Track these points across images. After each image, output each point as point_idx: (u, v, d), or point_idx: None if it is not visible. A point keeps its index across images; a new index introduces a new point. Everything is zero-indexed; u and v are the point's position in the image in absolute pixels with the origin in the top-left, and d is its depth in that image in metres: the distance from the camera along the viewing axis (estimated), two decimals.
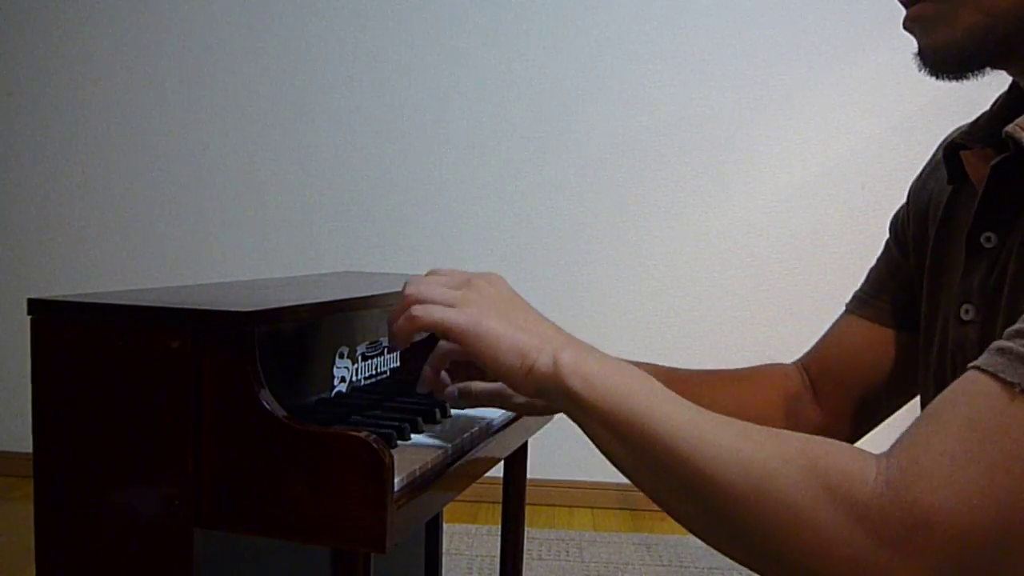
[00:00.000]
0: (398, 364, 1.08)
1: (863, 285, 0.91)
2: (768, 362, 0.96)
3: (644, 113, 2.58)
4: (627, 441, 0.57)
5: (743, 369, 0.95)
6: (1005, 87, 0.72)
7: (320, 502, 0.67)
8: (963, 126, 0.75)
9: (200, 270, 2.66)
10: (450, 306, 0.67)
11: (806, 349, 0.96)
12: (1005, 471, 0.46)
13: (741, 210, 2.58)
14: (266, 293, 0.94)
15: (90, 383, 0.73)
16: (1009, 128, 0.62)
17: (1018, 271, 0.63)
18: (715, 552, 0.57)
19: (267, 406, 0.69)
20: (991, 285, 0.66)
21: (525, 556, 1.24)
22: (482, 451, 0.89)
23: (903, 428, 0.52)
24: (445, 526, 1.48)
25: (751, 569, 0.55)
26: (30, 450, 0.76)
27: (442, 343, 0.79)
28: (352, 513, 0.66)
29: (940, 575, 0.47)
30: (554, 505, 2.51)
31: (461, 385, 0.85)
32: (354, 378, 0.97)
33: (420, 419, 0.89)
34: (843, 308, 0.92)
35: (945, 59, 0.64)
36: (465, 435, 0.88)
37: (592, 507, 2.49)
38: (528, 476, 1.19)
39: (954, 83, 0.67)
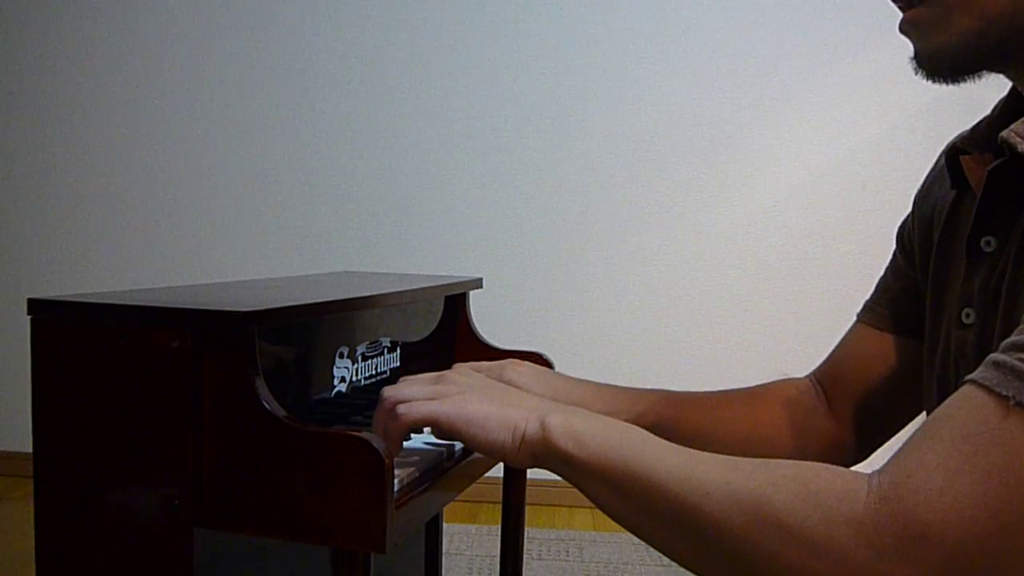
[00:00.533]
0: (398, 364, 1.08)
1: (872, 294, 0.91)
2: (780, 377, 0.96)
3: (644, 113, 2.58)
4: (623, 492, 0.59)
5: (756, 387, 0.95)
6: (1006, 91, 0.72)
7: (320, 502, 0.67)
8: (965, 131, 0.75)
9: (200, 270, 2.66)
10: (431, 399, 0.69)
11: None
12: (999, 482, 0.47)
13: (741, 210, 2.58)
14: (266, 293, 0.94)
15: (90, 383, 0.73)
16: (1004, 134, 0.63)
17: (1015, 275, 0.63)
18: None
19: (267, 406, 0.69)
20: (990, 289, 0.67)
21: (525, 556, 1.24)
22: None
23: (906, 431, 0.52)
24: (445, 526, 1.47)
25: None
26: (30, 450, 0.76)
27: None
28: (352, 513, 0.66)
29: None
30: (554, 505, 2.51)
31: None
32: (354, 378, 0.97)
33: None
34: (853, 316, 0.92)
35: (940, 63, 0.64)
36: None
37: (592, 507, 2.47)
38: (528, 476, 1.19)
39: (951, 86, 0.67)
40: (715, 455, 0.58)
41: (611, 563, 2.14)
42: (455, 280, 1.21)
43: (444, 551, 1.48)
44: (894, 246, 0.90)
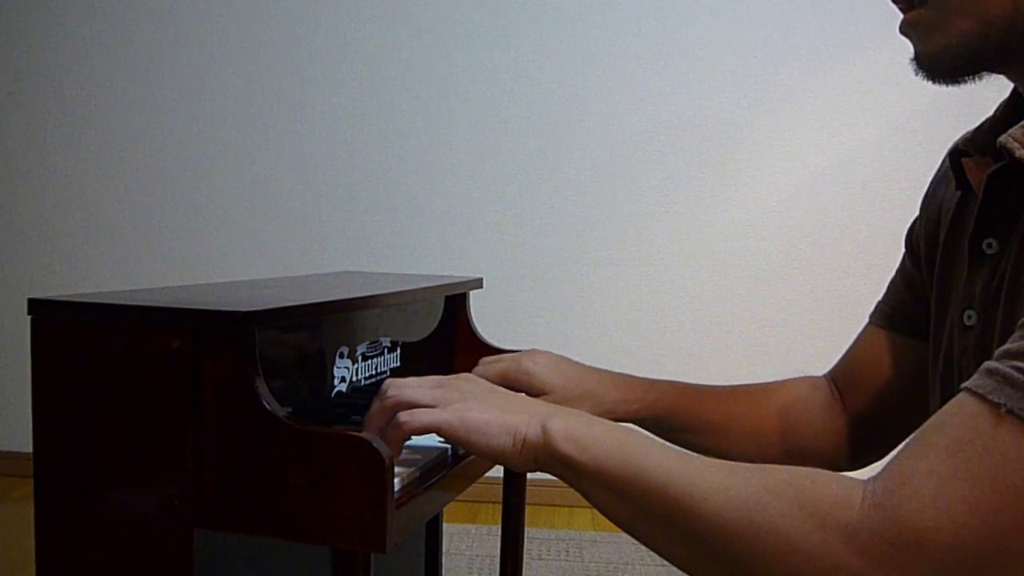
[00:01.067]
0: (398, 364, 1.08)
1: (883, 297, 0.92)
2: (798, 375, 0.97)
3: (644, 113, 2.58)
4: (623, 495, 0.60)
5: (770, 383, 0.96)
6: (1007, 92, 0.72)
7: (320, 502, 0.67)
8: (968, 132, 0.75)
9: (200, 270, 2.66)
10: (433, 406, 0.69)
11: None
12: (991, 488, 0.47)
13: (741, 210, 2.58)
14: (266, 293, 0.94)
15: (90, 383, 0.73)
16: (1003, 139, 0.63)
17: (1015, 277, 0.63)
18: None
19: (267, 406, 0.69)
20: (991, 291, 0.67)
21: (525, 556, 1.24)
22: None
23: None
24: (445, 526, 1.47)
25: None
26: (30, 450, 0.76)
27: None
28: (352, 513, 0.66)
29: None
30: (554, 505, 2.51)
31: None
32: (354, 378, 0.97)
33: None
34: (853, 315, 0.93)
35: (940, 64, 0.64)
36: None
37: (592, 507, 2.48)
38: (528, 476, 1.18)
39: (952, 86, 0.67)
40: (715, 460, 0.58)
41: (611, 563, 2.14)
42: (455, 280, 1.21)
43: (444, 551, 1.48)
44: (903, 249, 0.90)
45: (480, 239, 2.62)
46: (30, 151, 2.71)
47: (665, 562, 2.09)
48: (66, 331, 0.74)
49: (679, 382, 0.93)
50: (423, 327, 1.17)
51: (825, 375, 0.96)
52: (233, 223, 2.67)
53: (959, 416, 0.51)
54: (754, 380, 0.98)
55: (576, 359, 0.98)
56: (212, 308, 0.73)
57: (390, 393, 0.71)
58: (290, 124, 2.65)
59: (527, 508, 1.21)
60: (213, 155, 2.67)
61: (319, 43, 2.63)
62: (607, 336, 2.59)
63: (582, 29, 2.58)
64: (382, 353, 1.04)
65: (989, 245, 0.68)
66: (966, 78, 0.65)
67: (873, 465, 0.90)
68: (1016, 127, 0.62)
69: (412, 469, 0.76)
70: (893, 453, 0.53)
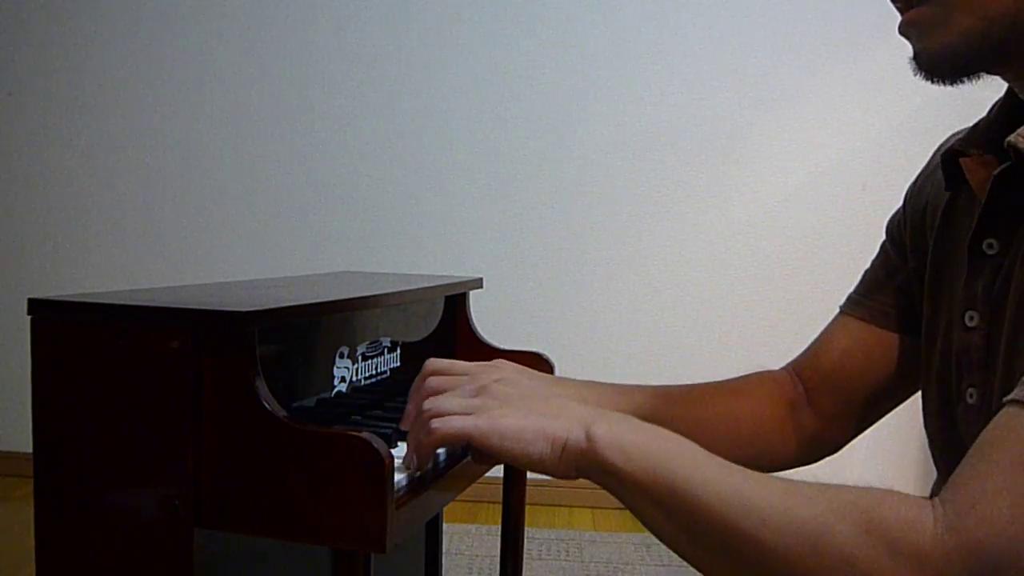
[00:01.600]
0: (398, 364, 1.08)
1: (858, 287, 0.91)
2: (758, 370, 0.95)
3: (644, 113, 2.58)
4: (670, 511, 0.56)
5: (734, 380, 0.94)
6: (1002, 92, 0.72)
7: (320, 502, 0.67)
8: (960, 132, 0.75)
9: (200, 270, 2.66)
10: (468, 414, 0.66)
11: (805, 348, 0.95)
12: None
13: (741, 210, 2.58)
14: (266, 293, 0.94)
15: (90, 383, 0.73)
16: (1011, 138, 0.63)
17: (1022, 278, 0.63)
18: None
19: (267, 406, 0.69)
20: (995, 292, 0.67)
21: (525, 556, 1.24)
22: None
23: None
24: (445, 526, 1.47)
25: None
26: (30, 450, 0.76)
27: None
28: (352, 513, 0.66)
29: None
30: (554, 505, 2.51)
31: None
32: (354, 378, 0.97)
33: None
34: (837, 311, 0.92)
35: (940, 63, 0.64)
36: None
37: (592, 507, 2.48)
38: (528, 476, 1.19)
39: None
40: (772, 478, 0.55)
41: (611, 563, 2.14)
42: (455, 280, 1.21)
43: (444, 551, 1.48)
44: (883, 240, 0.90)
45: (480, 239, 2.62)
46: (30, 151, 2.71)
47: (666, 562, 2.08)
48: (66, 331, 0.74)
49: (651, 386, 0.90)
50: (423, 327, 1.17)
51: (786, 369, 0.94)
52: (233, 223, 2.67)
53: (1016, 430, 0.49)
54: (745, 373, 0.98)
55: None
56: (212, 308, 0.73)
57: (426, 406, 0.68)
58: (290, 124, 2.65)
59: (527, 508, 1.21)
60: (213, 155, 2.67)
61: (319, 43, 2.63)
62: (607, 336, 2.59)
63: (582, 29, 2.57)
64: (382, 353, 1.04)
65: (990, 245, 0.68)
66: (965, 78, 0.65)
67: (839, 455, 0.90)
68: None
69: (412, 469, 0.76)
70: (954, 473, 0.51)
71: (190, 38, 2.66)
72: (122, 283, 2.63)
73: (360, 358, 0.99)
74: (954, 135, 0.76)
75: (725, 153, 2.57)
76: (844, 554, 0.49)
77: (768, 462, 0.88)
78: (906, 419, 0.95)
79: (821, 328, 0.93)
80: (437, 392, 0.71)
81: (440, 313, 1.21)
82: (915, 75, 0.66)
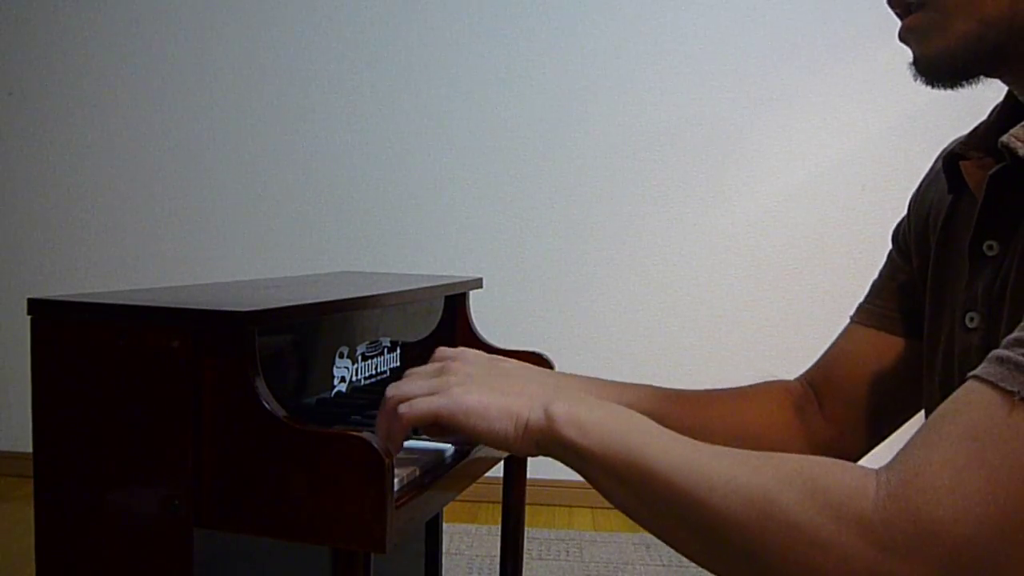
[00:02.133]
0: (398, 364, 1.08)
1: (867, 295, 0.91)
2: (770, 378, 0.96)
3: (644, 113, 2.58)
4: (627, 482, 0.58)
5: (745, 387, 0.95)
6: (1002, 96, 0.73)
7: (320, 502, 0.67)
8: (961, 136, 0.76)
9: (200, 270, 2.66)
10: (431, 394, 0.67)
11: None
12: (1007, 478, 0.47)
13: (741, 210, 2.58)
14: (266, 293, 0.94)
15: (90, 383, 0.73)
16: (1004, 139, 0.63)
17: (1019, 278, 0.63)
18: None
19: (267, 406, 0.69)
20: (995, 293, 0.67)
21: (525, 556, 1.24)
22: (482, 451, 0.89)
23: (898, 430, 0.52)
24: (445, 526, 1.48)
25: None
26: (30, 450, 0.76)
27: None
28: (352, 513, 0.66)
29: None
30: (554, 505, 2.51)
31: None
32: (354, 378, 0.97)
33: None
34: (848, 319, 0.92)
35: (940, 68, 0.65)
36: None
37: (592, 507, 2.48)
38: (528, 476, 1.19)
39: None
40: (721, 448, 0.57)
41: (611, 563, 2.14)
42: (455, 280, 1.21)
43: (444, 551, 1.48)
44: (889, 247, 0.90)
45: (480, 239, 2.62)
46: (30, 151, 2.71)
47: (666, 562, 2.09)
48: (66, 331, 0.74)
49: (654, 386, 0.90)
50: (423, 327, 1.17)
51: (799, 379, 0.94)
52: (233, 223, 2.67)
53: (971, 405, 0.50)
54: (753, 380, 0.97)
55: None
56: (212, 308, 0.73)
57: (389, 394, 0.70)
58: (290, 124, 2.65)
59: (527, 508, 1.21)
60: (213, 155, 2.67)
61: (319, 43, 2.63)
62: (607, 336, 2.59)
63: (582, 29, 2.58)
64: (382, 353, 1.04)
65: (990, 247, 0.68)
66: (964, 82, 0.66)
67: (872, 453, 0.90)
68: (1018, 127, 0.63)
69: (412, 469, 0.76)
70: (905, 443, 0.52)
71: (190, 38, 2.66)
72: (122, 283, 2.63)
73: (360, 358, 0.99)
74: (955, 140, 0.76)
75: (725, 153, 2.57)
76: (789, 519, 0.50)
77: None
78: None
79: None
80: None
81: (440, 313, 1.21)
82: (915, 80, 0.67)
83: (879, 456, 0.80)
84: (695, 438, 0.74)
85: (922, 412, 0.85)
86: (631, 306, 2.61)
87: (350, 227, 2.65)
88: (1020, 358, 0.49)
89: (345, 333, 0.96)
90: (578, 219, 2.60)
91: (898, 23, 0.67)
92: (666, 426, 0.88)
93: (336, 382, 0.94)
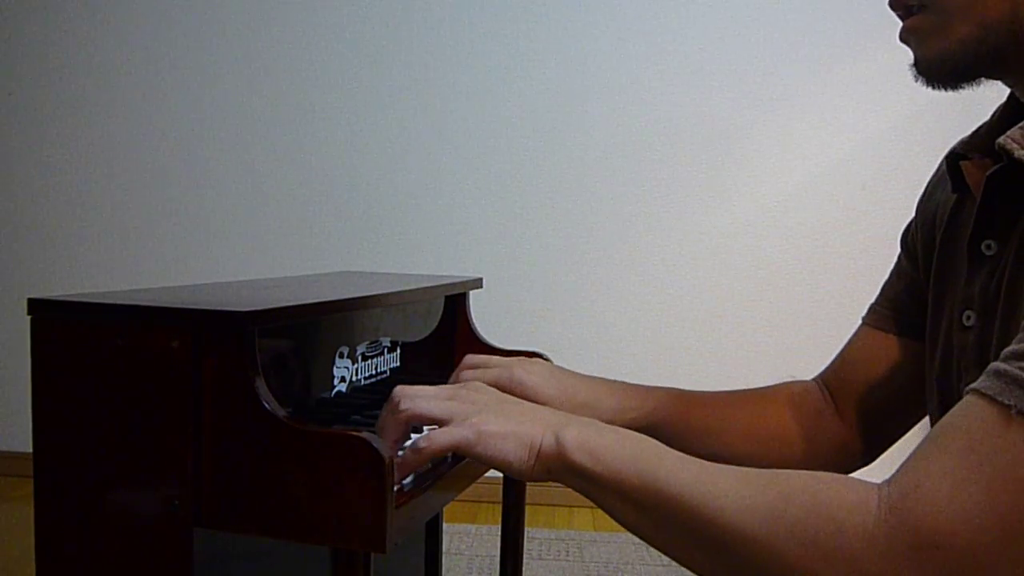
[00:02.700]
0: (398, 364, 1.08)
1: (877, 298, 0.92)
2: (788, 379, 0.96)
3: (644, 113, 2.58)
4: (639, 504, 0.59)
5: (763, 388, 0.96)
6: (1004, 96, 0.73)
7: (320, 502, 0.67)
8: (965, 136, 0.76)
9: (200, 270, 2.66)
10: (446, 419, 0.67)
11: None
12: (1004, 489, 0.48)
13: (741, 210, 2.58)
14: (266, 293, 0.94)
15: (90, 383, 0.73)
16: (1001, 140, 0.63)
17: (1014, 277, 0.64)
18: None
19: (267, 406, 0.69)
20: (991, 292, 0.67)
21: (525, 556, 1.24)
22: None
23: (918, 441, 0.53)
24: (445, 526, 1.48)
25: None
26: (30, 450, 0.76)
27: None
28: (352, 513, 0.66)
29: None
30: (554, 505, 2.51)
31: None
32: (354, 378, 0.97)
33: None
34: (853, 316, 0.92)
35: (940, 69, 0.65)
36: None
37: (592, 507, 2.47)
38: None
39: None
40: (729, 467, 0.59)
41: (611, 563, 2.14)
42: (455, 280, 1.21)
43: (444, 551, 1.48)
44: (899, 251, 0.91)
45: (480, 239, 2.62)
46: (30, 151, 2.71)
47: (666, 562, 2.09)
48: (66, 331, 0.74)
49: (675, 389, 0.92)
50: (423, 327, 1.17)
51: (815, 379, 0.95)
52: (233, 223, 2.67)
53: (969, 418, 0.51)
54: (753, 379, 0.97)
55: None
56: (212, 308, 0.73)
57: (403, 406, 0.69)
58: (290, 124, 2.65)
59: (527, 508, 1.21)
60: (213, 155, 2.67)
61: (319, 43, 2.63)
62: (607, 336, 2.59)
63: (582, 29, 2.57)
64: (382, 353, 1.04)
65: (988, 246, 0.68)
66: (965, 84, 0.67)
67: (872, 466, 0.90)
68: (1015, 128, 0.63)
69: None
70: (907, 456, 0.53)
71: (190, 38, 2.66)
72: (122, 283, 2.63)
73: (360, 358, 0.99)
74: (960, 140, 0.77)
75: (725, 153, 2.57)
76: (796, 535, 0.52)
77: (795, 468, 0.88)
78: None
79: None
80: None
81: (440, 313, 1.21)
82: (916, 81, 0.67)
83: (888, 460, 0.81)
84: (714, 440, 0.75)
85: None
86: (631, 306, 2.61)
87: (350, 227, 2.64)
88: (1017, 372, 0.50)
89: (345, 333, 0.96)
90: (578, 219, 2.60)
91: (899, 24, 0.68)
92: (687, 428, 0.89)
93: (336, 382, 0.94)
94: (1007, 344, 0.53)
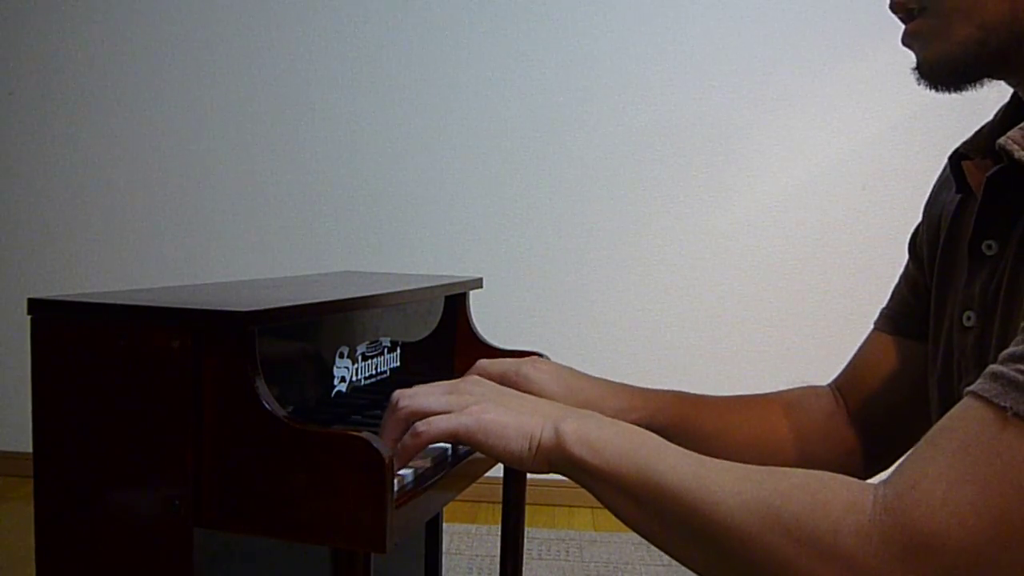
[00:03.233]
0: (398, 364, 1.08)
1: (888, 302, 0.92)
2: (802, 384, 0.96)
3: (644, 113, 2.58)
4: (637, 498, 0.60)
5: (772, 393, 0.96)
6: (1007, 96, 0.73)
7: (320, 502, 0.67)
8: (969, 136, 0.76)
9: (200, 270, 2.66)
10: (447, 412, 0.68)
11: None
12: (998, 491, 0.48)
13: (741, 210, 2.58)
14: (266, 293, 0.94)
15: (90, 383, 0.73)
16: (1001, 141, 0.63)
17: (1013, 277, 0.64)
18: None
19: (267, 406, 0.69)
20: (990, 292, 0.67)
21: (525, 556, 1.24)
22: None
23: None
24: (445, 526, 1.48)
25: None
26: (30, 450, 0.76)
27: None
28: (352, 513, 0.66)
29: None
30: (554, 505, 2.51)
31: None
32: (354, 378, 0.97)
33: None
34: (854, 316, 0.92)
35: (942, 72, 0.66)
36: None
37: (592, 507, 2.48)
38: (528, 476, 1.19)
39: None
40: (727, 463, 0.59)
41: (611, 563, 2.14)
42: (455, 280, 1.21)
43: (444, 551, 1.48)
44: (907, 255, 0.91)
45: (480, 239, 2.62)
46: (30, 151, 2.71)
47: (666, 562, 2.08)
48: (66, 331, 0.74)
49: (680, 391, 0.92)
50: (423, 327, 1.17)
51: (829, 384, 0.95)
52: (233, 223, 2.67)
53: (965, 420, 0.51)
54: (753, 379, 0.97)
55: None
56: (212, 308, 0.73)
57: (402, 404, 0.70)
58: (290, 124, 2.65)
59: (527, 508, 1.21)
60: (213, 155, 2.67)
61: (319, 43, 2.63)
62: (607, 336, 2.59)
63: (582, 29, 2.57)
64: (382, 353, 1.04)
65: (988, 247, 0.68)
66: (967, 85, 0.67)
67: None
68: (1015, 129, 0.63)
69: (412, 469, 0.76)
70: (903, 457, 0.54)
71: (190, 38, 2.66)
72: (122, 283, 2.63)
73: (360, 358, 0.99)
74: (964, 140, 0.77)
75: (725, 153, 2.57)
76: (791, 532, 0.52)
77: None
78: None
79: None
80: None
81: (440, 313, 1.21)
82: (918, 84, 0.67)
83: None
84: (720, 443, 0.75)
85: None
86: (631, 306, 2.61)
87: (350, 227, 2.64)
88: (1013, 374, 0.50)
89: (345, 333, 0.96)
90: (578, 219, 2.60)
91: (899, 24, 0.68)
92: (692, 430, 0.89)
93: (336, 382, 0.94)
94: (1006, 345, 0.53)
